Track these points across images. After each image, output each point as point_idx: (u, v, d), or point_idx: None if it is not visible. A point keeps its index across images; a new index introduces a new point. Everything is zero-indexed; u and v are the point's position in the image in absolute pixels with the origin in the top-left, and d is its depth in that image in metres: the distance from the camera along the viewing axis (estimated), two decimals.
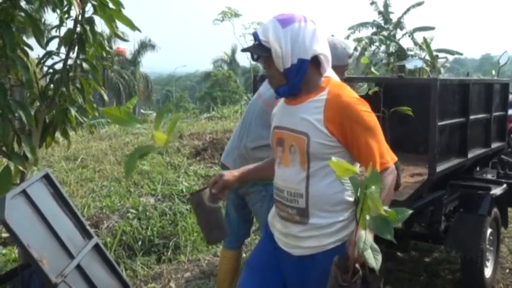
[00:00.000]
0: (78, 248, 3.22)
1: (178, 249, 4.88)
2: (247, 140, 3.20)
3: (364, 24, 28.24)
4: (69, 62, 3.38)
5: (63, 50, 3.37)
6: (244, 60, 33.69)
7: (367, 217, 1.61)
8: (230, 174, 2.25)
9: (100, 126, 11.87)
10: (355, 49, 26.82)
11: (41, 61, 3.41)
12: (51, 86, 3.39)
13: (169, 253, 4.77)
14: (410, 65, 7.76)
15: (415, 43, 25.45)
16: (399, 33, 27.51)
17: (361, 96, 2.00)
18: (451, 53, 24.72)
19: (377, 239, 4.59)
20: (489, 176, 4.92)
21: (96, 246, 3.43)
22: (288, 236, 2.07)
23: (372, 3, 28.08)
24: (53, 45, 3.38)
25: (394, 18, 28.08)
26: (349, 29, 28.07)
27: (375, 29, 27.99)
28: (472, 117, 4.14)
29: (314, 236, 1.99)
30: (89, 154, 7.90)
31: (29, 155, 3.09)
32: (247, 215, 3.46)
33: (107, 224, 5.05)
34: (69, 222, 3.26)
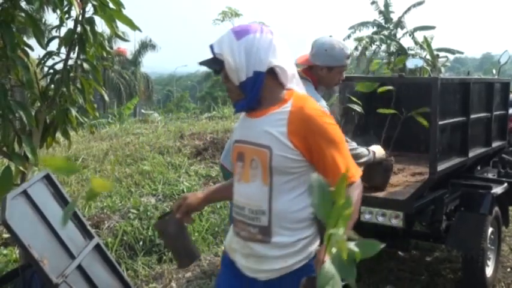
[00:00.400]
0: (79, 248, 3.22)
1: None
2: None
3: (364, 24, 28.24)
4: (70, 62, 3.39)
5: (63, 50, 3.38)
6: None
7: (333, 249, 1.45)
8: (194, 197, 2.15)
9: (101, 127, 11.88)
10: (356, 48, 26.83)
11: (41, 61, 3.41)
12: (52, 86, 3.39)
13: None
14: (410, 64, 7.75)
15: (416, 42, 25.44)
16: (400, 33, 27.53)
17: (368, 95, 1.97)
18: (452, 52, 24.72)
19: (378, 237, 4.54)
20: (490, 175, 4.92)
21: (97, 247, 3.43)
22: (249, 258, 1.93)
23: (373, 2, 28.08)
24: (53, 46, 3.39)
25: (394, 17, 28.09)
26: (350, 28, 28.07)
27: (375, 29, 27.99)
28: (472, 116, 4.14)
29: (278, 256, 1.87)
30: (90, 154, 7.90)
31: (29, 155, 3.09)
32: None
33: (107, 224, 5.05)
34: (70, 222, 3.26)
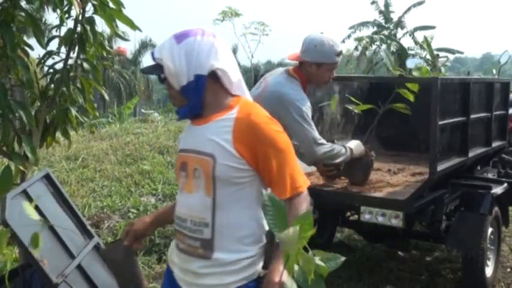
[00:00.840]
0: (79, 248, 3.22)
1: None
2: None
3: (364, 24, 28.22)
4: (70, 61, 3.38)
5: (63, 49, 3.37)
6: (245, 59, 33.73)
7: (296, 267, 1.41)
8: (140, 222, 2.06)
9: (101, 126, 11.89)
10: (356, 48, 26.83)
11: (41, 61, 3.40)
12: (52, 85, 3.39)
13: None
14: (410, 64, 7.75)
15: (416, 42, 25.42)
16: (400, 33, 27.51)
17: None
18: (452, 52, 24.68)
19: (377, 238, 4.53)
20: (490, 175, 4.92)
21: (97, 246, 3.43)
22: (187, 272, 1.84)
23: (373, 2, 28.07)
24: (53, 45, 3.38)
25: (394, 17, 28.07)
26: (350, 28, 28.05)
27: (375, 28, 27.97)
28: (472, 116, 4.14)
29: (215, 273, 1.77)
30: (90, 154, 7.90)
31: (29, 154, 3.08)
32: None
33: (107, 224, 5.05)
34: (69, 222, 3.26)
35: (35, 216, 2.21)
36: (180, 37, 1.81)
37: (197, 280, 1.81)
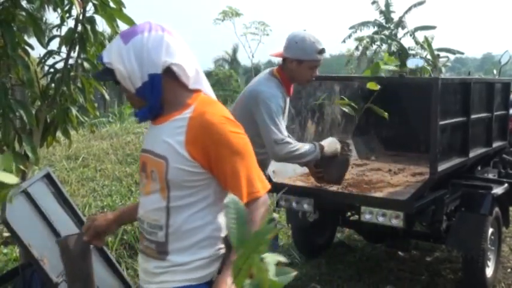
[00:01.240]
0: None
1: None
2: None
3: (365, 24, 28.20)
4: (70, 61, 3.38)
5: (64, 49, 3.37)
6: (246, 59, 33.73)
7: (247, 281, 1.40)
8: (103, 218, 2.00)
9: (101, 126, 11.89)
10: (356, 48, 26.81)
11: (42, 60, 3.40)
12: (52, 85, 3.39)
13: None
14: (411, 64, 7.74)
15: (417, 42, 25.42)
16: (400, 33, 27.48)
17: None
18: (453, 52, 24.67)
19: (377, 238, 4.54)
20: (490, 176, 4.92)
21: (97, 246, 3.42)
22: (146, 272, 1.81)
23: (373, 2, 28.06)
24: (54, 45, 3.38)
25: (395, 17, 28.05)
26: (351, 28, 28.03)
27: (376, 28, 27.95)
28: (473, 116, 4.13)
29: (168, 271, 1.73)
30: (90, 153, 7.91)
31: (30, 154, 3.08)
32: None
33: None
34: (70, 221, 3.26)
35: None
36: (126, 36, 1.71)
37: (153, 279, 1.78)
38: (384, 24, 28.01)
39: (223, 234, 1.72)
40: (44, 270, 2.68)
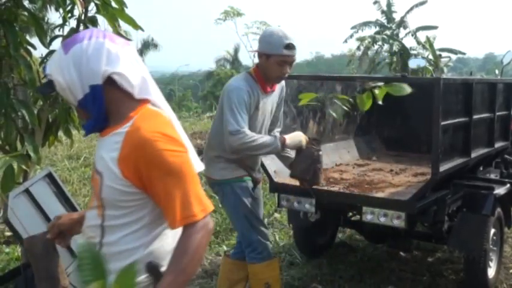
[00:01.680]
0: None
1: None
2: None
3: (367, 24, 28.18)
4: None
5: None
6: (247, 59, 33.74)
7: None
8: (67, 217, 1.90)
9: None
10: (358, 48, 26.79)
11: (44, 60, 3.41)
12: None
13: None
14: (413, 64, 7.75)
15: (418, 42, 25.39)
16: (402, 33, 27.45)
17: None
18: (454, 52, 24.65)
19: (378, 238, 4.52)
20: (492, 176, 4.92)
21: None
22: None
23: (375, 2, 28.03)
24: (56, 45, 3.38)
25: (397, 17, 28.02)
26: (352, 28, 28.01)
27: (377, 28, 27.92)
28: (475, 116, 4.13)
29: None
30: (92, 153, 7.92)
31: (31, 154, 3.09)
32: None
33: None
34: None
35: None
36: (67, 45, 1.60)
37: None
38: (386, 24, 28.00)
39: (160, 259, 1.60)
40: None
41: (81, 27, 3.28)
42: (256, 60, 3.38)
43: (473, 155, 4.15)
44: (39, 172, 3.43)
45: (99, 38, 1.59)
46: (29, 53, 3.26)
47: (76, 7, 3.14)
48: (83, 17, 3.26)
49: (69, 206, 3.29)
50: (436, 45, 21.67)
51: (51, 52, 3.36)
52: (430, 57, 18.30)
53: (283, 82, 3.47)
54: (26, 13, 3.19)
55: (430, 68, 14.16)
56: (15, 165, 3.11)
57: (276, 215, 5.91)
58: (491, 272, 4.06)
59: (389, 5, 27.97)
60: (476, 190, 4.09)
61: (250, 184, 3.41)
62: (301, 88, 4.39)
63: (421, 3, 27.28)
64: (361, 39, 26.55)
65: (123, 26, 3.42)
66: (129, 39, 4.48)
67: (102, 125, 1.63)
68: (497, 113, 4.69)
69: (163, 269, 1.57)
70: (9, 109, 3.00)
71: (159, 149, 1.52)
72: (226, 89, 3.25)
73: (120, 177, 1.54)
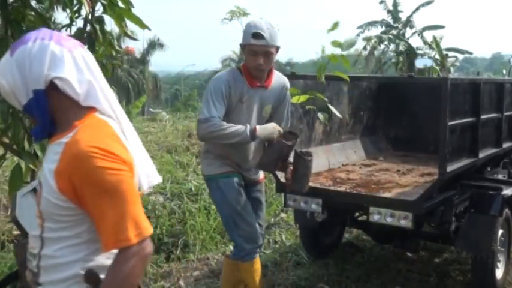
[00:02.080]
0: None
1: (187, 248, 4.89)
2: None
3: (373, 23, 28.11)
4: None
5: None
6: None
7: None
8: None
9: None
10: (364, 48, 26.73)
11: None
12: None
13: (178, 252, 4.78)
14: (419, 63, 7.72)
15: (425, 42, 25.30)
16: (409, 32, 27.35)
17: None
18: (461, 52, 24.54)
19: (385, 238, 4.49)
20: (500, 176, 4.89)
21: None
22: None
23: (381, 1, 27.95)
24: None
25: (403, 17, 27.94)
26: (358, 27, 27.94)
27: (384, 28, 27.86)
28: (483, 117, 4.11)
29: None
30: None
31: (39, 153, 3.09)
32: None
33: None
34: None
35: None
36: (14, 47, 1.52)
37: None
38: (392, 23, 27.92)
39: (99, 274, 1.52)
40: None
41: (88, 27, 3.29)
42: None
43: (481, 155, 4.13)
44: None
45: (45, 39, 1.51)
46: None
47: (83, 7, 3.14)
48: (89, 17, 3.27)
49: None
50: (443, 45, 21.58)
51: None
52: (437, 57, 18.23)
53: (284, 80, 3.42)
54: (33, 13, 3.20)
55: (437, 67, 14.11)
56: (22, 165, 3.12)
57: (283, 214, 5.90)
58: (499, 273, 4.04)
59: (395, 4, 27.89)
60: (484, 191, 4.07)
61: (237, 181, 3.31)
62: (307, 88, 4.38)
63: (428, 3, 27.18)
64: (367, 39, 26.47)
65: (130, 25, 3.43)
66: (135, 39, 4.51)
67: (49, 131, 1.55)
68: (505, 113, 4.67)
69: (102, 276, 1.50)
70: (16, 108, 3.01)
71: (95, 166, 1.42)
72: (210, 81, 3.28)
73: (55, 190, 1.46)
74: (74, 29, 3.32)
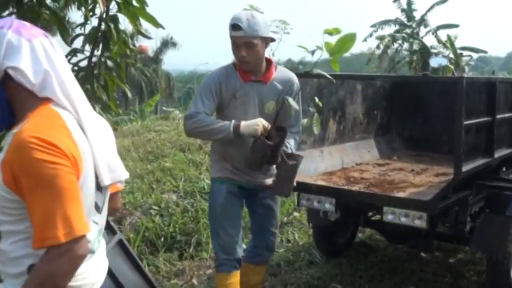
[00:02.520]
0: None
1: (200, 246, 4.90)
2: None
3: (386, 22, 27.91)
4: (94, 59, 3.41)
5: (87, 47, 3.40)
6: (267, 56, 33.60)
7: None
8: None
9: (122, 123, 11.98)
10: (378, 47, 26.59)
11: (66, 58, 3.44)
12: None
13: (191, 250, 4.79)
14: (434, 62, 7.67)
15: (439, 41, 25.09)
16: (422, 31, 27.12)
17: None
18: (476, 51, 24.32)
19: (399, 238, 4.45)
20: None
21: (120, 242, 3.45)
22: None
23: (395, 0, 27.79)
24: (77, 43, 3.41)
25: (417, 15, 27.74)
26: (372, 26, 27.77)
27: (397, 27, 27.67)
28: (498, 116, 4.07)
29: None
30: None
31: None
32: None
33: (129, 220, 5.09)
34: None
35: None
36: None
37: None
38: (406, 22, 27.71)
39: None
40: None
41: (103, 26, 3.31)
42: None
43: (497, 155, 4.09)
44: None
45: (4, 28, 1.49)
46: None
47: (98, 6, 3.15)
48: (104, 16, 3.28)
49: None
50: (457, 44, 21.40)
51: (74, 50, 3.39)
52: (451, 56, 18.09)
53: (291, 76, 3.23)
54: (48, 12, 3.22)
55: (451, 66, 14.00)
56: None
57: (295, 213, 5.89)
58: None
59: (409, 3, 27.69)
60: (500, 191, 4.02)
61: (229, 188, 3.19)
62: (321, 87, 4.37)
63: (442, 1, 26.94)
64: (380, 38, 26.33)
65: (144, 24, 3.44)
66: (149, 38, 4.52)
67: (7, 121, 1.53)
68: None
69: None
70: None
71: (32, 157, 1.36)
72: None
73: (1, 182, 1.41)
74: (88, 27, 3.35)
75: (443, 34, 24.40)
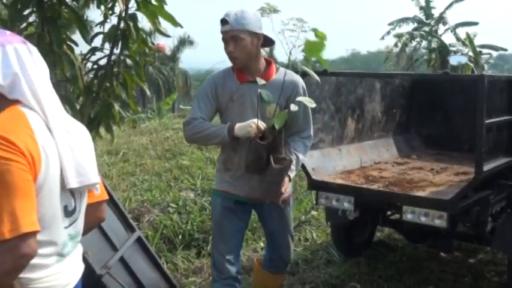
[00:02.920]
0: (122, 241, 3.27)
1: None
2: None
3: (404, 20, 27.69)
4: (113, 57, 3.44)
5: (107, 46, 3.43)
6: (283, 55, 33.61)
7: None
8: None
9: (140, 121, 12.07)
10: (395, 45, 26.39)
11: (85, 57, 3.47)
12: (95, 81, 3.45)
13: (209, 247, 4.79)
14: (454, 61, 7.58)
15: (458, 39, 24.83)
16: (441, 29, 26.86)
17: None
18: (495, 49, 24.02)
19: (418, 238, 4.40)
20: None
21: (139, 240, 3.47)
22: None
23: None
24: (97, 42, 3.44)
25: (436, 13, 27.47)
26: (389, 24, 27.58)
27: (415, 25, 27.43)
28: None
29: None
30: (130, 148, 8.04)
31: None
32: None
33: (148, 218, 5.12)
34: (112, 215, 3.32)
35: None
36: None
37: None
38: (424, 20, 27.47)
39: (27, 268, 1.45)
40: (87, 261, 2.73)
41: (122, 25, 3.33)
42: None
43: None
44: None
45: None
46: (72, 50, 3.32)
47: (117, 4, 3.18)
48: (123, 15, 3.31)
49: (110, 200, 3.34)
50: (477, 42, 21.16)
51: (93, 49, 3.42)
52: (470, 54, 17.90)
53: (296, 79, 3.02)
54: (67, 10, 3.25)
55: (471, 65, 13.84)
56: None
57: (313, 212, 5.86)
58: None
59: (427, 1, 27.44)
60: None
61: (222, 203, 3.04)
62: (340, 85, 4.34)
63: None
64: (398, 36, 26.14)
65: (163, 23, 3.46)
66: (168, 36, 4.52)
67: None
68: None
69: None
70: None
71: None
72: None
73: None
74: (108, 26, 3.38)
75: (462, 32, 24.15)
